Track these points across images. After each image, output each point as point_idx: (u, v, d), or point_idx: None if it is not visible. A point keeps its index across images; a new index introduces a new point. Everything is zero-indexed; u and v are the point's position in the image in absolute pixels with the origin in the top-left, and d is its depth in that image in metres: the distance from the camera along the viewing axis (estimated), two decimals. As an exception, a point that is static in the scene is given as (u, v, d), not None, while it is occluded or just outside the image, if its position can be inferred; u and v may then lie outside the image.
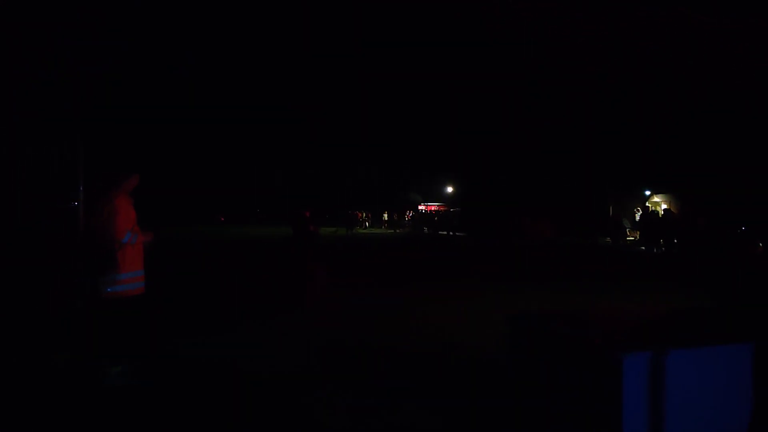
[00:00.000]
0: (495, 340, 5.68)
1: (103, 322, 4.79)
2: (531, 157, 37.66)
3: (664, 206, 26.42)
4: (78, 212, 5.05)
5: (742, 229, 20.76)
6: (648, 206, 27.65)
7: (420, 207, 43.40)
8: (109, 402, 4.30)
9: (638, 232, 25.11)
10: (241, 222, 46.94)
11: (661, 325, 3.75)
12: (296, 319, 7.41)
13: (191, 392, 4.55)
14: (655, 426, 2.98)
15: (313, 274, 8.84)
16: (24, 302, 5.98)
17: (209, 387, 4.67)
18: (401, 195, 46.07)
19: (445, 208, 41.71)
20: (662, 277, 12.69)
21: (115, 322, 4.77)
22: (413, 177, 48.92)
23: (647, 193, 31.75)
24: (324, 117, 44.38)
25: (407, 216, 42.40)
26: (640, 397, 2.94)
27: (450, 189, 48.61)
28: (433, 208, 42.41)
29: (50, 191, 5.65)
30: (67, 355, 5.02)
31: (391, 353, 5.72)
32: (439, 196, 47.17)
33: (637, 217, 26.60)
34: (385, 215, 44.79)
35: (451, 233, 34.33)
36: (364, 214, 44.26)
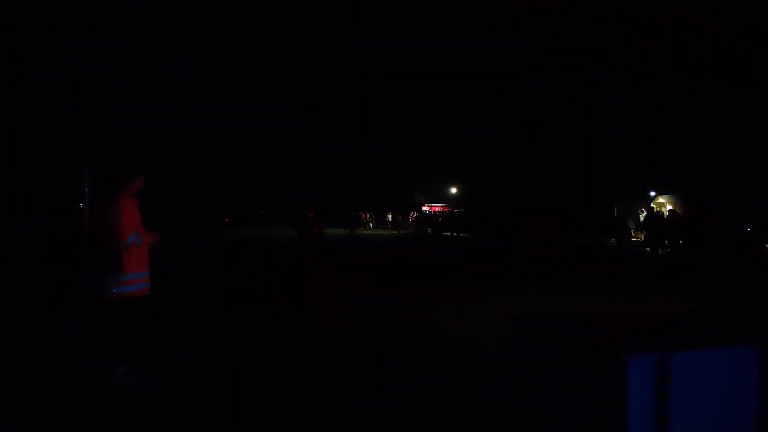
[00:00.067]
0: (496, 341, 5.66)
1: (108, 323, 4.79)
2: (536, 158, 37.65)
3: (669, 207, 26.37)
4: (83, 213, 5.02)
5: (748, 230, 20.67)
6: (653, 207, 27.59)
7: (424, 208, 43.39)
8: (113, 402, 4.30)
9: (643, 233, 25.02)
10: (248, 223, 46.92)
11: (667, 327, 3.71)
12: (298, 319, 7.40)
13: (194, 393, 4.55)
14: (661, 428, 2.95)
15: (317, 274, 8.84)
16: (26, 302, 5.97)
17: (212, 387, 4.67)
18: (406, 196, 46.08)
19: (449, 209, 41.68)
20: (667, 279, 12.61)
21: (120, 322, 4.78)
22: (413, 177, 48.94)
23: (652, 194, 31.71)
24: (324, 117, 44.46)
25: (411, 217, 42.35)
26: (645, 399, 2.91)
27: (454, 190, 48.61)
28: (437, 209, 42.39)
29: (51, 191, 5.65)
30: (72, 356, 5.01)
31: (391, 353, 5.71)
32: (443, 197, 47.16)
33: (642, 218, 26.55)
34: (389, 216, 44.71)
35: (455, 234, 34.27)
36: (368, 215, 44.12)
